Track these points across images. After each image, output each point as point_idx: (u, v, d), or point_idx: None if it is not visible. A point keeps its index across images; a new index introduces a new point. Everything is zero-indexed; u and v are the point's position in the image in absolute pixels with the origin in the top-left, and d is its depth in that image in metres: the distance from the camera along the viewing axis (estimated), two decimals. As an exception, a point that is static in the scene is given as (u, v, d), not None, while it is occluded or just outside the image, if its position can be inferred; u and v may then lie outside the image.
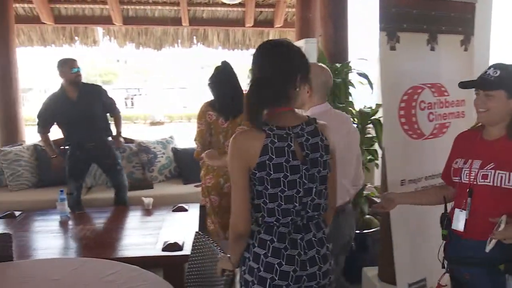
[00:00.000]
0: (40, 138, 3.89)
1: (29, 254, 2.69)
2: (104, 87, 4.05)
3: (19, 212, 3.45)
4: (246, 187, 1.46)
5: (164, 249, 2.69)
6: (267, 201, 1.46)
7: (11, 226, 3.18)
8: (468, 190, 1.63)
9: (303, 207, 1.48)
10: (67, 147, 3.84)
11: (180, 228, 3.11)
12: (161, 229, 3.08)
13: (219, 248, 1.80)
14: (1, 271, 1.87)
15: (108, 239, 3.01)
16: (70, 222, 3.26)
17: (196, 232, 2.06)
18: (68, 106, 3.66)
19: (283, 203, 1.45)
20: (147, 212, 3.56)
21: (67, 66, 3.61)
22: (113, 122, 3.98)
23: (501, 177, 1.56)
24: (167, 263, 2.65)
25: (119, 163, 3.96)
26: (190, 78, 28.22)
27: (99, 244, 2.88)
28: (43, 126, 3.75)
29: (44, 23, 5.55)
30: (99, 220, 3.43)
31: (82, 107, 3.67)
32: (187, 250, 2.63)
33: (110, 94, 3.97)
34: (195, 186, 4.42)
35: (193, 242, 2.02)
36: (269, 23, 5.92)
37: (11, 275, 1.86)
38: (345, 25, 3.90)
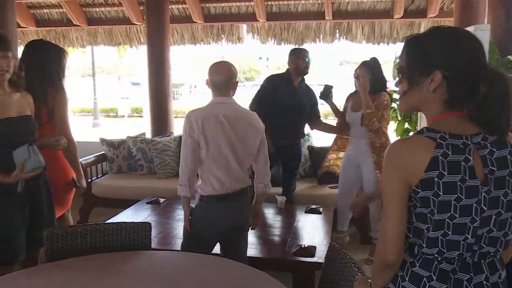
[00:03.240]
0: None
1: (168, 241, 2.82)
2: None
3: (163, 199, 3.67)
4: (404, 209, 1.16)
5: (295, 253, 2.55)
6: (430, 229, 1.14)
7: (155, 212, 3.39)
8: None
9: (476, 240, 1.14)
10: None
11: (313, 231, 2.95)
12: (292, 231, 2.95)
13: (357, 266, 1.56)
14: (137, 259, 1.92)
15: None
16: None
17: (332, 243, 1.85)
18: (288, 91, 3.60)
19: (450, 233, 1.13)
20: (279, 210, 3.48)
21: (301, 55, 3.58)
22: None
23: None
24: (297, 268, 2.52)
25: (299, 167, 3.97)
26: (331, 74, 28.04)
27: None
28: (258, 103, 3.61)
29: (195, 22, 5.89)
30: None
31: (298, 100, 3.61)
32: (319, 257, 2.46)
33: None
34: (330, 187, 4.20)
35: (327, 254, 1.82)
36: (422, 13, 5.33)
37: (145, 264, 1.90)
38: (520, 11, 3.25)
